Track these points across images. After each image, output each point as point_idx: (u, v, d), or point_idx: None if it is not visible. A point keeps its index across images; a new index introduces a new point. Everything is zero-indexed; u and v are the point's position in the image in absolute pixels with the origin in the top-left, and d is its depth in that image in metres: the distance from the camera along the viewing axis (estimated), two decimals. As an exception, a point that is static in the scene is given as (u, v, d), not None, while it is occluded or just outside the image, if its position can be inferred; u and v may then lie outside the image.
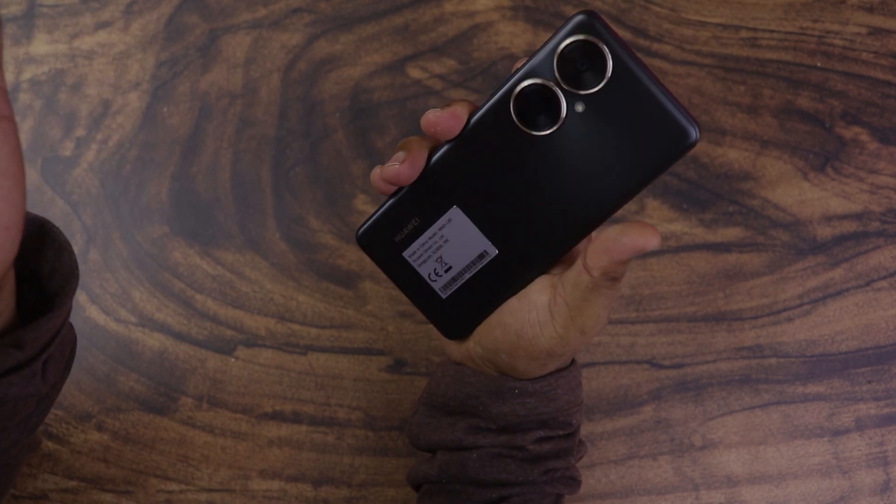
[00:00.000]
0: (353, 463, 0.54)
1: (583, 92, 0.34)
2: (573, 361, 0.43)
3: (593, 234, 0.38)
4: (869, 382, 0.55)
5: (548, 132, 0.35)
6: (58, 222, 0.56)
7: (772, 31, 0.58)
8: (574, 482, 0.43)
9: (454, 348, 0.43)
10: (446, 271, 0.40)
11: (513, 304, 0.39)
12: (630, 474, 0.54)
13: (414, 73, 0.57)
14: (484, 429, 0.41)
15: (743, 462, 0.54)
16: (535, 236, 0.37)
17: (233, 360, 0.55)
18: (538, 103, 0.35)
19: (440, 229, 0.39)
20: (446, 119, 0.36)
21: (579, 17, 0.33)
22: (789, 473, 0.54)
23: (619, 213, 0.56)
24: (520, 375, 0.40)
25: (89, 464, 0.53)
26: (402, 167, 0.37)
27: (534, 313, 0.39)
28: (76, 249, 0.56)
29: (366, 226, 0.40)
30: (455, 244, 0.39)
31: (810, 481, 0.54)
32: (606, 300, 0.37)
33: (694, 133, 0.33)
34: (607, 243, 0.34)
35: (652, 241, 0.34)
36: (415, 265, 0.40)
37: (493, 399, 0.41)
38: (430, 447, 0.43)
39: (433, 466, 0.42)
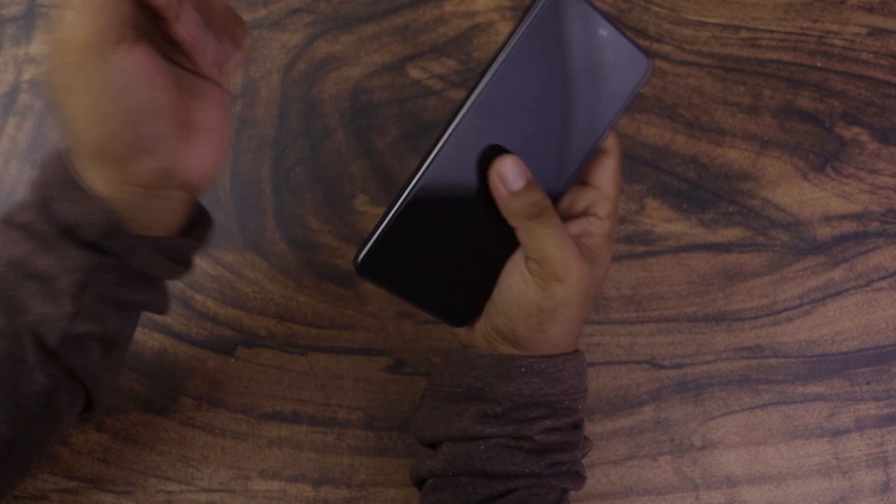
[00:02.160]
0: (353, 463, 0.54)
1: None
2: (577, 351, 0.43)
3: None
4: (868, 383, 0.55)
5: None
6: (58, 222, 0.56)
7: (772, 32, 0.58)
8: (579, 477, 0.42)
9: (459, 332, 0.44)
10: None
11: (507, 264, 0.41)
12: (630, 474, 0.54)
13: (414, 73, 0.57)
14: (491, 415, 0.41)
15: (743, 462, 0.54)
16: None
17: (233, 360, 0.55)
18: None
19: None
20: None
21: None
22: (789, 473, 0.54)
23: (621, 211, 0.56)
24: (522, 342, 0.41)
25: (89, 464, 0.53)
26: None
27: (519, 267, 0.40)
28: (76, 249, 0.56)
29: None
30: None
31: (810, 481, 0.54)
32: (552, 240, 0.39)
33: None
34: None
35: (493, 174, 0.38)
36: None
37: (499, 379, 0.41)
38: (436, 440, 0.42)
39: (439, 460, 0.42)
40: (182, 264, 0.44)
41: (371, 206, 0.56)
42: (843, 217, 0.57)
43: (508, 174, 0.38)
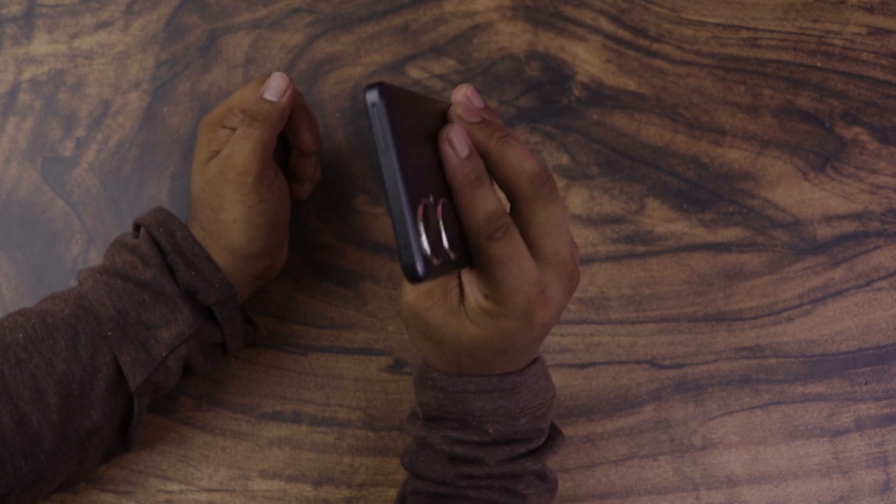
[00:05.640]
0: (353, 463, 0.54)
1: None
2: (512, 372, 0.40)
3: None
4: (868, 382, 0.55)
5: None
6: (58, 223, 0.56)
7: (772, 31, 0.58)
8: (515, 496, 0.41)
9: None
10: None
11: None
12: (630, 474, 0.54)
13: (414, 73, 0.57)
14: (416, 418, 0.43)
15: (743, 462, 0.54)
16: None
17: (233, 360, 0.55)
18: None
19: None
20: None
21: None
22: (789, 473, 0.54)
23: (619, 211, 0.57)
24: (467, 370, 0.40)
25: (89, 464, 0.53)
26: None
27: (467, 305, 0.38)
28: (76, 250, 0.56)
29: None
30: None
31: (810, 481, 0.54)
32: (519, 267, 0.35)
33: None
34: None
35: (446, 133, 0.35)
36: None
37: (417, 386, 0.42)
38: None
39: (402, 454, 0.45)
40: (244, 344, 0.51)
41: (371, 206, 0.56)
42: (843, 217, 0.57)
43: (457, 140, 0.35)
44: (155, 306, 0.45)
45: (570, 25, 0.58)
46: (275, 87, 0.47)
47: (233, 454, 0.54)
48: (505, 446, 0.41)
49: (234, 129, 0.47)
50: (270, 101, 0.46)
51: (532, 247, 0.36)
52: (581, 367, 0.55)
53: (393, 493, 0.54)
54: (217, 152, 0.47)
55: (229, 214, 0.46)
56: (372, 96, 0.33)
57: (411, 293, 0.38)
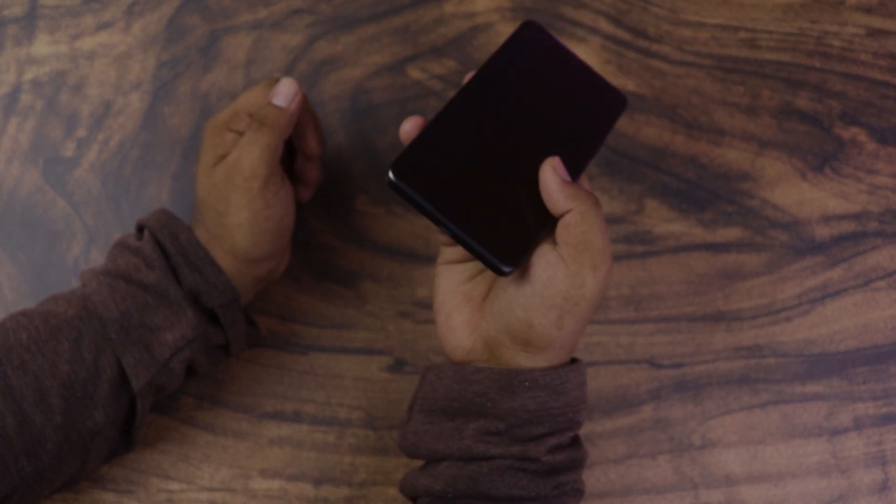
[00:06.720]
0: (353, 462, 0.54)
1: None
2: (578, 361, 0.42)
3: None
4: (867, 382, 0.55)
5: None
6: (59, 223, 0.56)
7: (770, 32, 0.58)
8: (579, 494, 0.42)
9: (460, 341, 0.42)
10: None
11: (531, 258, 0.40)
12: (629, 473, 0.54)
13: (414, 73, 0.57)
14: (494, 433, 0.40)
15: (742, 461, 0.54)
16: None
17: (234, 359, 0.55)
18: None
19: None
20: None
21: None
22: (788, 473, 0.54)
23: (618, 211, 0.57)
24: (534, 342, 0.39)
25: (91, 463, 0.53)
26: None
27: (544, 257, 0.39)
28: (77, 250, 0.56)
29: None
30: None
31: (809, 480, 0.54)
32: (601, 228, 0.39)
33: None
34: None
35: (547, 167, 0.39)
36: None
37: (502, 394, 0.39)
38: (433, 456, 0.41)
39: (437, 480, 0.40)
40: (246, 346, 0.52)
41: (371, 206, 0.56)
42: (841, 217, 0.57)
43: (560, 167, 0.40)
44: (158, 309, 0.45)
45: (569, 26, 0.58)
46: (284, 93, 0.47)
47: (234, 453, 0.54)
48: (583, 445, 0.42)
49: (240, 133, 0.47)
50: (279, 107, 0.46)
51: None
52: (580, 366, 0.55)
53: (393, 492, 0.54)
54: (223, 156, 0.47)
55: (235, 219, 0.46)
56: (391, 178, 0.38)
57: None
